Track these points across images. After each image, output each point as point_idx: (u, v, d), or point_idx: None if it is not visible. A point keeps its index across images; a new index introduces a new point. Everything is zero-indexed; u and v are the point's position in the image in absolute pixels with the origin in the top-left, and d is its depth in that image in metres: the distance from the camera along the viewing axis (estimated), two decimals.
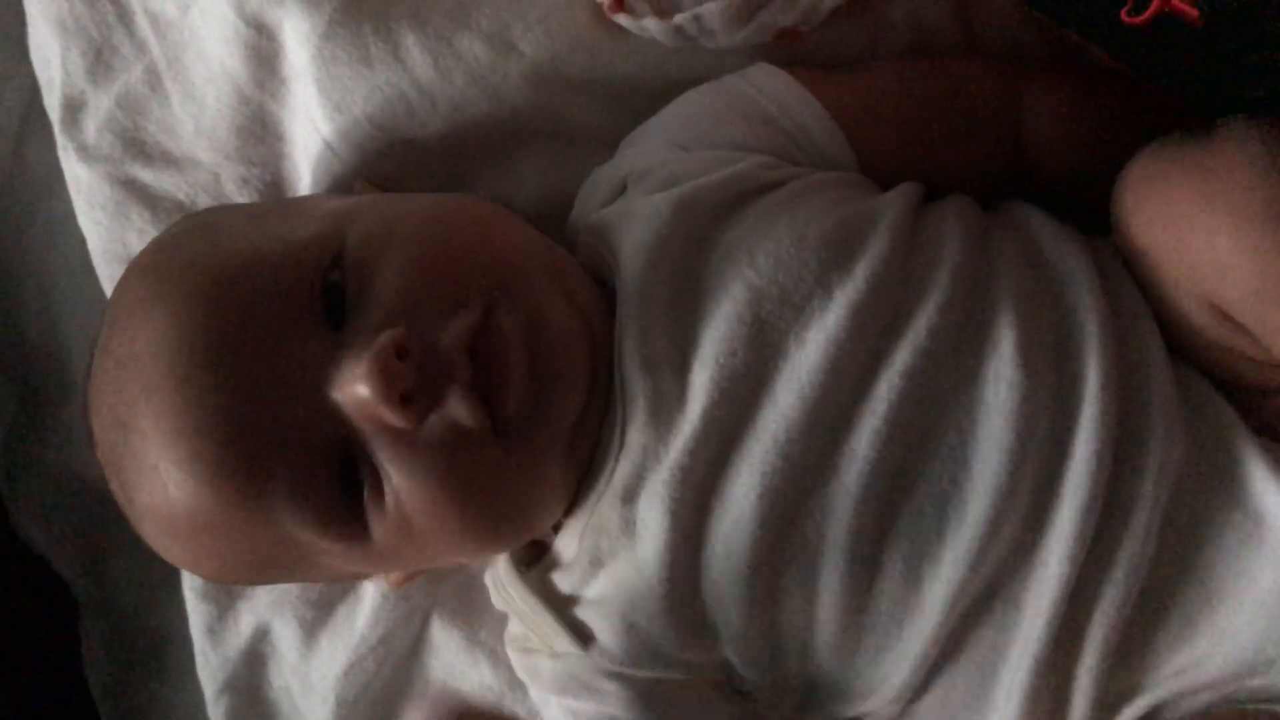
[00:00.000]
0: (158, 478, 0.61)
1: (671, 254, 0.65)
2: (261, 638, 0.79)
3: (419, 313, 0.60)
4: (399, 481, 0.61)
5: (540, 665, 0.69)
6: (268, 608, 0.79)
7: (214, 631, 0.79)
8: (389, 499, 0.61)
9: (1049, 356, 0.63)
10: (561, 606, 0.67)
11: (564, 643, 0.67)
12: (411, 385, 0.59)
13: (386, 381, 0.58)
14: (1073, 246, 0.67)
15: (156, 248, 0.68)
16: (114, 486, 0.66)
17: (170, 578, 0.81)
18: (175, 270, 0.63)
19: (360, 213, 0.65)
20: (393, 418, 0.59)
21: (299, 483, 0.60)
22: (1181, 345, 0.66)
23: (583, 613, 0.66)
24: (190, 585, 0.79)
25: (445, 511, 0.61)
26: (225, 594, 0.79)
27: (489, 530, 0.64)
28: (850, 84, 0.72)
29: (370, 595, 0.78)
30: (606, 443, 0.64)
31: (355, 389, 0.59)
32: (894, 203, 0.67)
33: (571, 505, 0.66)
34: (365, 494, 0.62)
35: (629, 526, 0.63)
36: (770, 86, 0.72)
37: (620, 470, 0.64)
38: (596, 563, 0.65)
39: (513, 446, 0.62)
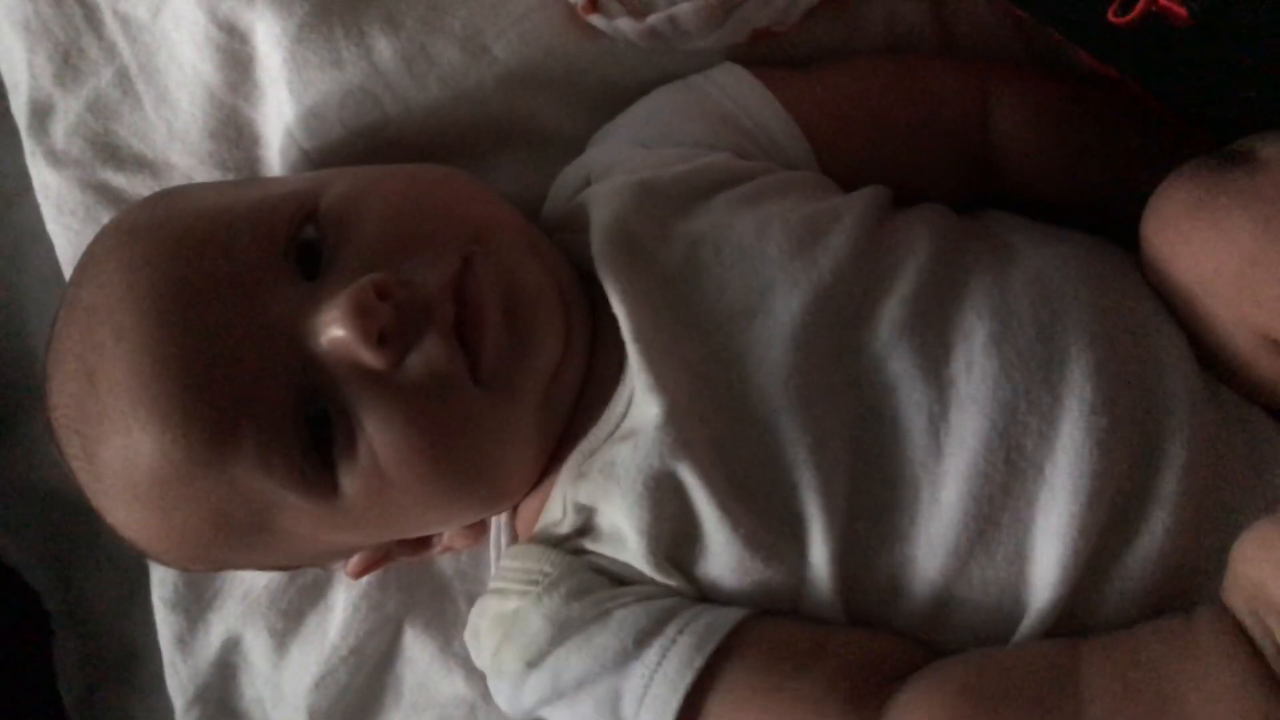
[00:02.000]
0: (124, 425, 0.60)
1: (630, 234, 0.65)
2: (232, 648, 0.79)
3: (399, 261, 0.61)
4: (372, 428, 0.60)
5: (544, 607, 0.63)
6: (238, 618, 0.78)
7: (184, 642, 0.79)
8: (361, 448, 0.60)
9: (1029, 344, 0.61)
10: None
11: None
12: (389, 325, 0.58)
13: (364, 321, 0.58)
14: (1056, 249, 0.65)
15: (129, 211, 0.68)
16: (73, 449, 0.65)
17: (142, 589, 0.80)
18: (151, 224, 0.64)
19: (338, 177, 0.66)
20: (368, 357, 0.59)
21: (269, 430, 0.60)
22: (1224, 375, 0.63)
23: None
24: (159, 595, 0.79)
25: (418, 459, 0.60)
26: (195, 603, 0.78)
27: (460, 482, 0.63)
28: (812, 84, 0.72)
29: (341, 605, 0.77)
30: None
31: (332, 330, 0.59)
32: (859, 200, 0.66)
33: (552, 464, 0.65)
34: (336, 445, 0.61)
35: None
36: (732, 86, 0.72)
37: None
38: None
39: (489, 396, 0.61)
